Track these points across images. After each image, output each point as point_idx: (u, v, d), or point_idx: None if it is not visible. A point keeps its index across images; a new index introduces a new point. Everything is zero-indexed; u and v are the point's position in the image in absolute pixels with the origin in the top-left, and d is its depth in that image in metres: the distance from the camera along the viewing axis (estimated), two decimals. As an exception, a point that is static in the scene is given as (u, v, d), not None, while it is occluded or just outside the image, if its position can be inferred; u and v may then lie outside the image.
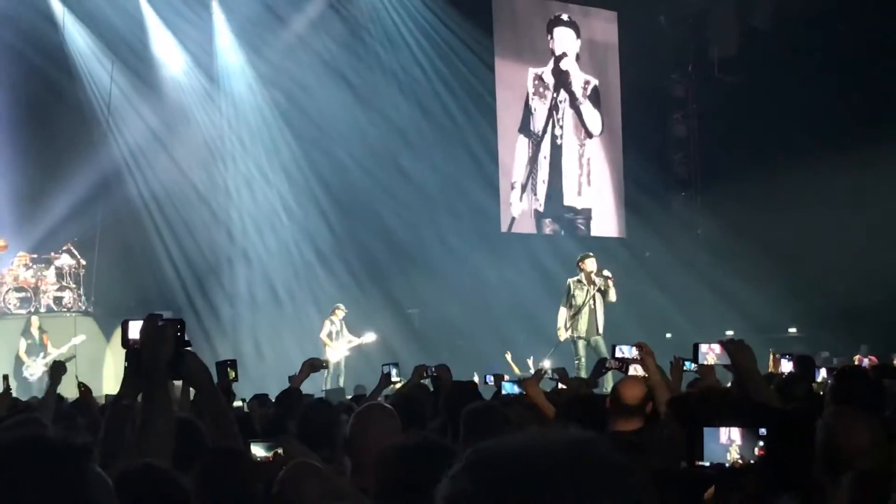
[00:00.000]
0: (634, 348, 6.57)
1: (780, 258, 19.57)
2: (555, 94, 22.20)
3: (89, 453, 1.93)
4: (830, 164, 18.02)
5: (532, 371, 13.77)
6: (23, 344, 16.61)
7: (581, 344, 14.43)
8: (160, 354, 3.37)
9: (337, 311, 17.65)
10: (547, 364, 14.16)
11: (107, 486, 1.94)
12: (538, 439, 1.38)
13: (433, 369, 8.46)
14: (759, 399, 4.65)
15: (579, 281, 14.71)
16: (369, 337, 17.62)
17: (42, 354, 16.54)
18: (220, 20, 20.00)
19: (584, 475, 1.33)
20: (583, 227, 22.37)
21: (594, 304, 14.52)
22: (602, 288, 14.56)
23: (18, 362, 16.46)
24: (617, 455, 1.37)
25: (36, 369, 16.35)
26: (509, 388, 7.61)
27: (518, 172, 21.80)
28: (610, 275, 14.73)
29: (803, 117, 19.49)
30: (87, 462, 1.91)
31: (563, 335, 14.72)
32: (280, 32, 20.08)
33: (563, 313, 14.78)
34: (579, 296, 14.55)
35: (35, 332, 16.74)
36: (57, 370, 6.58)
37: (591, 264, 14.73)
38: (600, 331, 14.45)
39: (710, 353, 5.67)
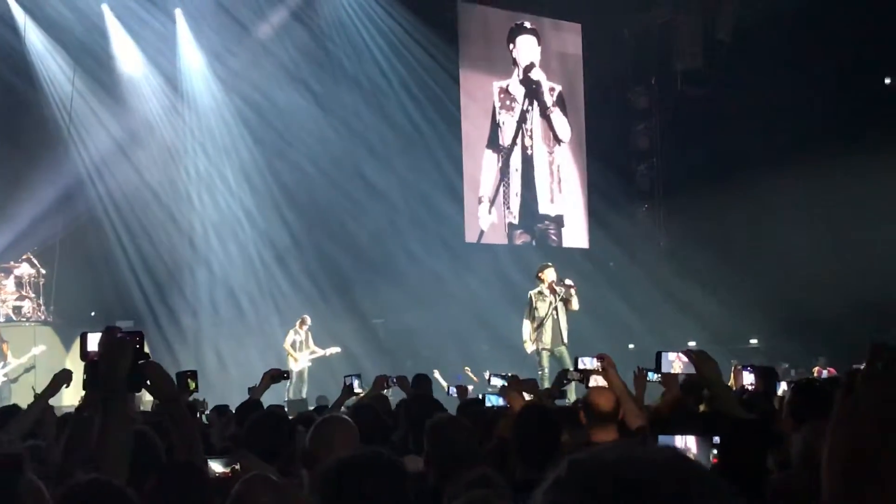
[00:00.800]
0: (596, 360, 6.59)
1: (741, 269, 19.73)
2: (523, 105, 22.27)
3: (20, 463, 1.91)
4: (792, 176, 18.21)
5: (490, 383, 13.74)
6: None
7: (545, 355, 14.40)
8: (118, 367, 3.36)
9: (302, 322, 17.66)
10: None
11: (41, 495, 1.92)
12: (636, 453, 1.33)
13: (394, 380, 8.46)
14: (723, 409, 4.70)
15: (540, 292, 14.70)
16: (333, 350, 17.65)
17: (1, 364, 16.41)
18: (184, 28, 19.90)
19: (689, 492, 1.29)
20: (554, 237, 22.39)
21: (556, 314, 14.50)
22: (564, 297, 14.58)
23: None
24: (712, 472, 1.34)
25: None
26: (494, 401, 7.56)
27: (486, 186, 21.80)
28: (572, 283, 14.74)
29: (765, 130, 19.71)
30: (17, 472, 1.89)
31: (530, 347, 14.68)
32: (243, 40, 20.00)
33: (527, 326, 14.74)
34: (541, 307, 14.53)
35: None
36: (60, 379, 6.33)
37: (550, 274, 14.73)
38: (565, 341, 14.42)
39: (677, 361, 5.71)
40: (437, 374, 16.06)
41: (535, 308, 14.60)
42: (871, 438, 1.21)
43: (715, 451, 3.41)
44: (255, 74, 20.06)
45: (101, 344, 3.43)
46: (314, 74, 20.21)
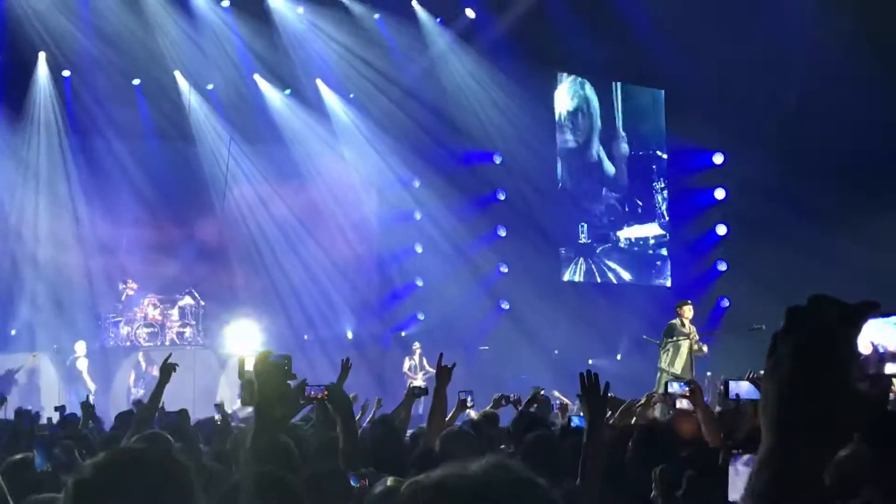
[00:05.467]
0: (685, 385, 6.49)
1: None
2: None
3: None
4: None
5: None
6: (131, 376, 17.11)
7: (665, 378, 13.57)
8: (270, 385, 3.38)
9: (415, 349, 18.17)
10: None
11: None
12: (461, 469, 1.43)
13: (511, 397, 8.42)
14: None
15: (682, 324, 13.90)
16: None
17: (142, 381, 16.86)
18: (326, 91, 20.07)
19: (501, 494, 1.39)
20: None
21: (690, 347, 13.74)
22: (694, 339, 13.86)
23: (129, 392, 16.82)
24: (528, 472, 1.45)
25: (140, 393, 16.71)
26: (578, 422, 7.39)
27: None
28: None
29: (839, 187, 18.69)
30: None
31: (666, 376, 13.98)
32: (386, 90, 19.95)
33: (664, 353, 13.95)
34: (680, 338, 13.75)
35: (142, 362, 17.22)
36: (167, 369, 6.35)
37: (689, 311, 14.01)
38: (693, 374, 13.41)
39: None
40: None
41: (675, 338, 13.82)
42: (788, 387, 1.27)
43: None
44: (392, 128, 20.07)
45: (255, 365, 3.46)
46: (439, 134, 20.27)
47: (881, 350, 1.47)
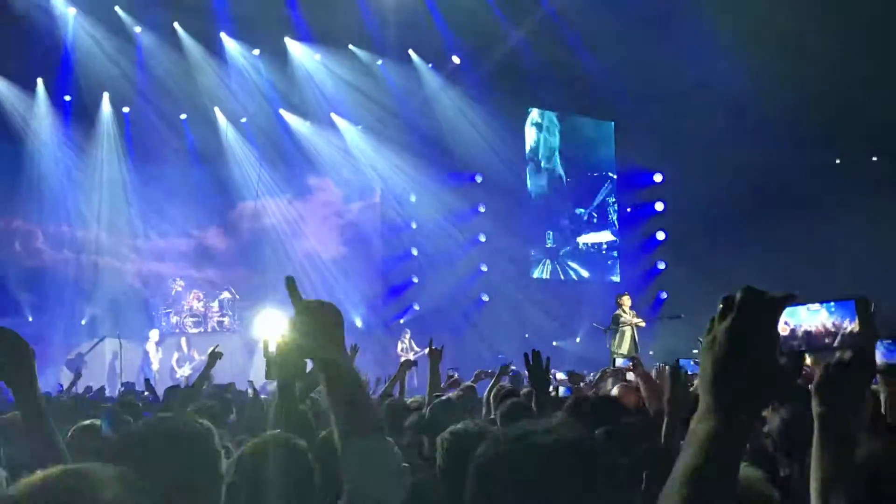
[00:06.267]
0: (629, 361, 6.48)
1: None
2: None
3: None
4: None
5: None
6: (174, 356, 16.88)
7: (619, 360, 13.63)
8: (290, 363, 3.31)
9: (404, 335, 18.03)
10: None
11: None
12: (537, 426, 1.41)
13: (490, 371, 8.39)
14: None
15: (623, 311, 14.09)
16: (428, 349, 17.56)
17: (188, 363, 16.71)
18: (341, 121, 19.90)
19: (575, 449, 1.36)
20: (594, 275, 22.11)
21: (633, 330, 13.92)
22: (635, 322, 14.02)
23: (171, 370, 16.64)
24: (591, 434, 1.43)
25: (184, 373, 16.58)
26: (564, 392, 7.32)
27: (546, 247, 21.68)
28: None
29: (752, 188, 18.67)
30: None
31: (615, 355, 14.03)
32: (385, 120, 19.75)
33: (611, 337, 14.10)
34: (623, 324, 13.90)
35: (184, 346, 16.98)
36: (214, 356, 6.22)
37: (627, 301, 14.23)
38: (638, 351, 13.63)
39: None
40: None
41: (620, 324, 14.00)
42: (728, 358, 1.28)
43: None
44: (393, 153, 19.83)
45: (277, 347, 3.40)
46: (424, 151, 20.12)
47: (797, 331, 1.47)
